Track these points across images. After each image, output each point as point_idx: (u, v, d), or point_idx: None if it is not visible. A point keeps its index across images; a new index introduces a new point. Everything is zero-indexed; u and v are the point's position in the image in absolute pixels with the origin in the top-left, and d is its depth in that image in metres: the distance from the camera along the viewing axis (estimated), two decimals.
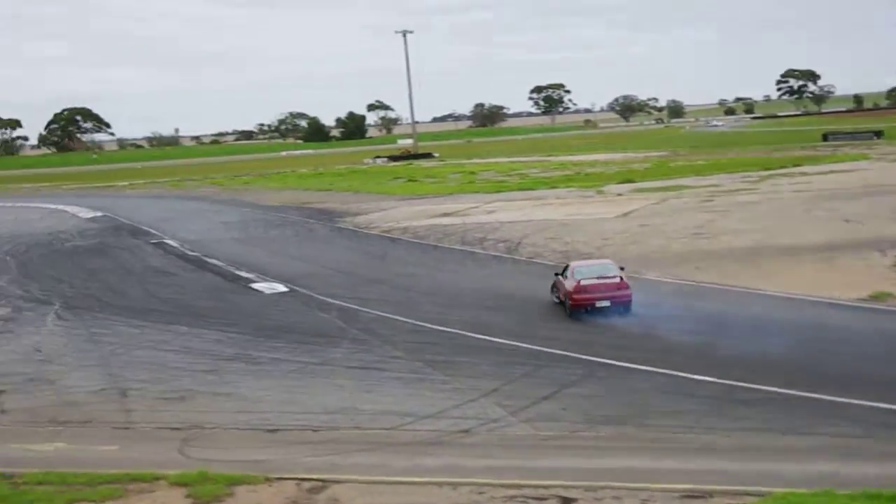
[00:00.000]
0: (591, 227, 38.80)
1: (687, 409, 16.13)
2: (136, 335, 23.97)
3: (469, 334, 22.16)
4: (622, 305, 22.97)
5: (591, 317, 22.88)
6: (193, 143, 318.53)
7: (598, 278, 23.41)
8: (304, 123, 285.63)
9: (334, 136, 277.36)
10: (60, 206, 72.55)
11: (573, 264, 25.00)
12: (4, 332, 25.05)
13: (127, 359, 21.48)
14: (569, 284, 23.52)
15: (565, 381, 17.98)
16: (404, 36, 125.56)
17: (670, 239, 35.05)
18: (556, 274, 25.20)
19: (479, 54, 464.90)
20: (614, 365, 18.96)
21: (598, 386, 17.73)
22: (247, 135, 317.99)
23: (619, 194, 52.33)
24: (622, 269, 24.42)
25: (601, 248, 33.32)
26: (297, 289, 29.64)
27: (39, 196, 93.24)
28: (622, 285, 23.29)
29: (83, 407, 17.87)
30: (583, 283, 23.18)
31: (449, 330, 22.72)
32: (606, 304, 22.93)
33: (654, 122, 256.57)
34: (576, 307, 23.19)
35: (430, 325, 23.38)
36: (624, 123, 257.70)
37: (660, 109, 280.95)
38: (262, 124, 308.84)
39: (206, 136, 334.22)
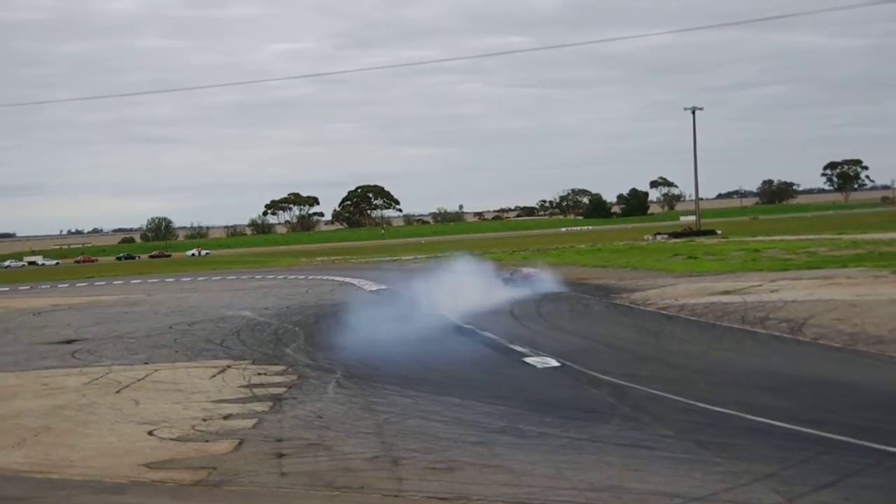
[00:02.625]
0: (882, 309, 36.47)
1: None
2: (410, 405, 24.46)
3: (745, 416, 21.20)
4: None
5: None
6: (476, 218, 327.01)
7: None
8: (585, 200, 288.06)
9: (615, 213, 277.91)
10: (348, 279, 76.10)
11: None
12: (289, 399, 26.15)
13: (400, 428, 21.87)
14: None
15: (849, 469, 16.81)
16: (693, 113, 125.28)
17: None
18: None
19: (771, 130, 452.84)
20: None
21: (886, 476, 16.44)
22: (528, 211, 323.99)
23: None
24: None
25: (894, 332, 31.27)
26: (569, 364, 29.49)
27: (331, 269, 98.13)
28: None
29: (357, 473, 18.23)
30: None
31: (723, 410, 21.83)
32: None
33: None
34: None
35: (703, 405, 22.56)
36: None
37: None
38: (543, 200, 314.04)
39: (488, 211, 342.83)
